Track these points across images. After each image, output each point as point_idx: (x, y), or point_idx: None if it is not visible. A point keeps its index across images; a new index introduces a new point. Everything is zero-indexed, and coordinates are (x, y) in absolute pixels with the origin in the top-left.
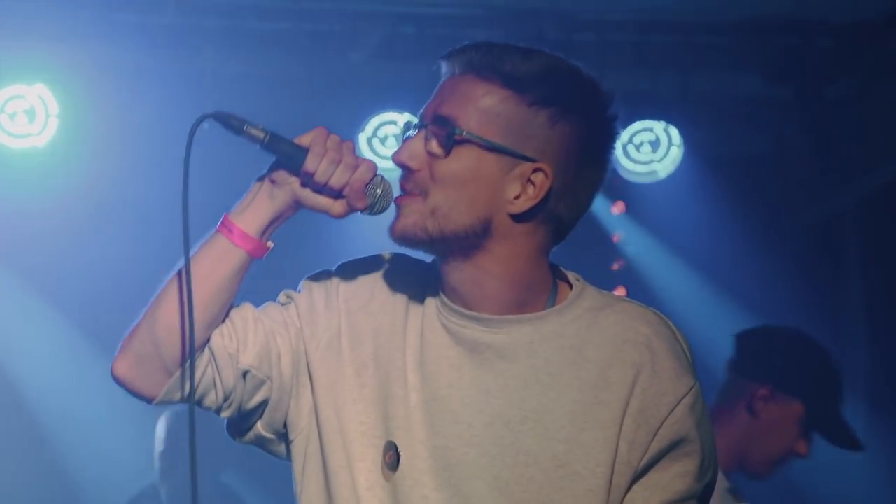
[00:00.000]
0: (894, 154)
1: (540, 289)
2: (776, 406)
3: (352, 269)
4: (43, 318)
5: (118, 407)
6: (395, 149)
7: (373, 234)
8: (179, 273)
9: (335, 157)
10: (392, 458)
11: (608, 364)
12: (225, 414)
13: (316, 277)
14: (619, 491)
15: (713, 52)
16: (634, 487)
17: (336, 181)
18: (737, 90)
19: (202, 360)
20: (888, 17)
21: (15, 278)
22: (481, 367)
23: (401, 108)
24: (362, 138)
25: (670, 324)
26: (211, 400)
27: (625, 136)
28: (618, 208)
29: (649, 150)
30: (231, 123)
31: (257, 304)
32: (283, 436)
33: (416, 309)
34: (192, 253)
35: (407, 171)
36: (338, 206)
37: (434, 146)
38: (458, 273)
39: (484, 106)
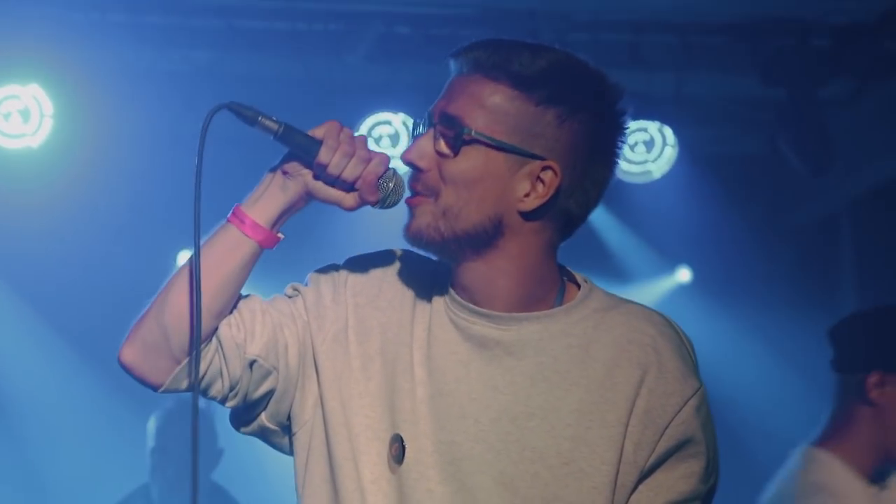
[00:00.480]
0: (888, 154)
1: (548, 286)
2: (891, 388)
3: (360, 264)
4: (32, 320)
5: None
6: (390, 149)
7: (382, 229)
8: (190, 262)
9: (348, 149)
10: (398, 450)
11: (614, 364)
12: (230, 404)
13: (323, 271)
14: (624, 491)
15: (707, 53)
16: (640, 488)
17: (349, 174)
18: (731, 91)
19: (209, 350)
20: (882, 18)
21: (8, 279)
22: (489, 364)
23: (395, 108)
24: None
25: (675, 326)
26: (217, 389)
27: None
28: None
29: (644, 150)
30: (245, 114)
31: (265, 295)
32: (287, 428)
33: (424, 304)
34: (202, 243)
35: (416, 171)
36: (349, 198)
37: (443, 146)
38: (470, 272)
39: (492, 105)
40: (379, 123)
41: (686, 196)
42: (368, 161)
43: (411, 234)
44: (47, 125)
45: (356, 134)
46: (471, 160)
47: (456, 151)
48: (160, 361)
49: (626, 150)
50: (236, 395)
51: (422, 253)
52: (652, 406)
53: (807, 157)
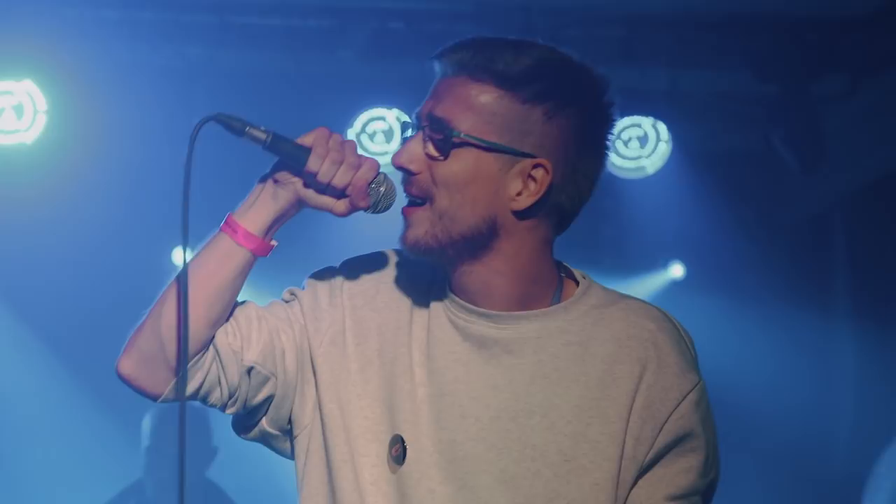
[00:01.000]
0: (881, 150)
1: (546, 283)
2: None
3: (356, 266)
4: (21, 317)
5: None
6: (384, 144)
7: (377, 231)
8: (185, 273)
9: (337, 157)
10: (399, 451)
11: (614, 360)
12: (230, 411)
13: (320, 274)
14: (625, 486)
15: (701, 49)
16: (639, 483)
17: (339, 181)
18: (725, 86)
19: (207, 358)
20: (875, 13)
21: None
22: (488, 363)
23: (389, 103)
24: (351, 134)
25: (674, 321)
26: (216, 397)
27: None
28: None
29: (637, 145)
30: (233, 126)
31: (261, 300)
32: (288, 432)
33: (421, 305)
34: (196, 252)
35: (408, 174)
36: (341, 205)
37: (432, 149)
38: (467, 275)
39: (479, 106)
40: (373, 119)
41: (680, 192)
42: (358, 167)
43: (409, 244)
44: (41, 121)
45: (350, 134)
46: (461, 162)
47: (445, 154)
48: (158, 372)
49: (619, 146)
50: (235, 401)
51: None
52: (651, 401)
53: (799, 154)
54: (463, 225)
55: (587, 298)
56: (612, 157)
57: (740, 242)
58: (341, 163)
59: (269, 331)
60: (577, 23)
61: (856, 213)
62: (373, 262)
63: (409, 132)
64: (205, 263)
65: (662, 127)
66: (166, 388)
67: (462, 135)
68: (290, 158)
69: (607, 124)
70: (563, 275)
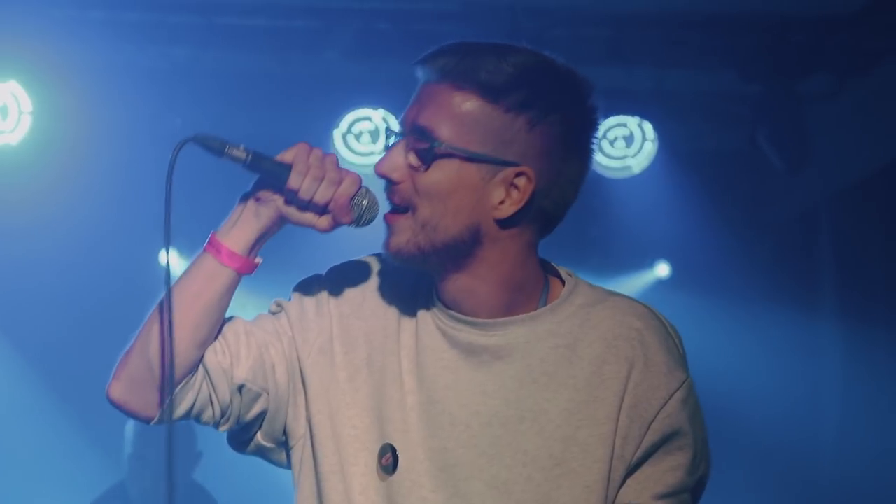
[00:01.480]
0: (867, 149)
1: (532, 287)
2: None
3: (342, 274)
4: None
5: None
6: (370, 145)
7: (362, 240)
8: (168, 296)
9: (318, 173)
10: (389, 460)
11: (602, 361)
12: (223, 428)
13: (305, 284)
14: (614, 486)
15: (687, 48)
16: (628, 481)
17: (320, 197)
18: (710, 86)
19: (197, 378)
20: (861, 12)
21: None
22: (477, 369)
23: (375, 104)
24: (337, 134)
25: (662, 318)
26: (208, 416)
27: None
28: None
29: (623, 145)
30: (211, 146)
31: (247, 313)
32: (284, 444)
33: (409, 312)
34: (181, 274)
35: (390, 183)
36: (323, 221)
37: (414, 159)
38: (453, 284)
39: (462, 115)
40: (359, 120)
41: (665, 191)
42: (339, 182)
43: (392, 251)
44: (26, 122)
45: (336, 134)
46: (444, 172)
47: (428, 164)
48: (148, 395)
49: (605, 145)
50: (228, 419)
51: None
52: (638, 400)
53: (784, 153)
54: (446, 234)
55: (574, 298)
56: (598, 157)
57: (726, 241)
58: (322, 178)
59: (257, 346)
60: (563, 23)
61: (841, 212)
62: (358, 270)
63: (392, 139)
64: (190, 284)
65: (648, 126)
66: (158, 411)
67: (444, 145)
68: (271, 176)
69: (591, 129)
70: (548, 275)
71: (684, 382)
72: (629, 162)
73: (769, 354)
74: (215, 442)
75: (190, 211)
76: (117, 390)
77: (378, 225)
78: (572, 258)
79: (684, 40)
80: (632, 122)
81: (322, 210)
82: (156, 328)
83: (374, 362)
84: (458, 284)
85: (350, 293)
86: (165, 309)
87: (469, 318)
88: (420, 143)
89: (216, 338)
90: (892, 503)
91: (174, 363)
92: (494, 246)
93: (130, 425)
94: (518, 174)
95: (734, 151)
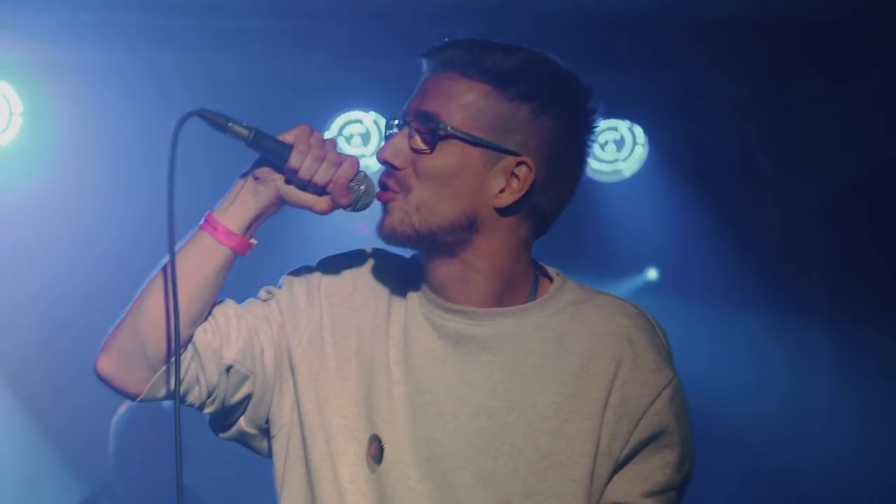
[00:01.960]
0: (858, 153)
1: (522, 282)
2: None
3: (333, 264)
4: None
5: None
6: (361, 147)
7: (353, 229)
8: (164, 269)
9: (319, 153)
10: (376, 450)
11: (590, 356)
12: (208, 410)
13: (296, 273)
14: (600, 481)
15: (678, 52)
16: (615, 478)
17: (320, 177)
18: (702, 89)
19: (186, 357)
20: (851, 17)
21: None
22: (465, 360)
23: (366, 106)
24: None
25: (649, 316)
26: (195, 396)
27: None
28: None
29: (614, 149)
30: (216, 121)
31: (239, 299)
32: (266, 431)
33: (399, 303)
34: (176, 249)
35: (391, 169)
36: (321, 202)
37: (418, 142)
38: (444, 269)
39: (467, 102)
40: (350, 122)
41: (656, 195)
42: (339, 164)
43: (385, 232)
44: (17, 123)
45: (327, 136)
46: (446, 156)
47: (432, 147)
48: (137, 371)
49: (596, 149)
50: (214, 400)
51: (395, 251)
52: (627, 397)
53: (774, 157)
54: (443, 218)
55: (563, 294)
56: (589, 161)
57: (716, 245)
58: (323, 159)
59: (248, 329)
60: (554, 26)
61: (832, 215)
62: (349, 261)
63: (393, 129)
64: (185, 261)
65: (639, 130)
66: (146, 387)
67: (449, 128)
68: (272, 155)
69: (590, 130)
70: (537, 273)
71: (672, 380)
72: (620, 166)
73: (758, 358)
74: (203, 437)
75: (187, 211)
76: (106, 364)
77: (374, 215)
78: (562, 261)
79: (674, 44)
80: (622, 125)
81: (321, 191)
82: (147, 303)
83: (364, 352)
84: (449, 270)
85: (341, 283)
86: (170, 286)
87: (457, 307)
88: (424, 126)
89: (207, 318)
90: None
91: (168, 339)
92: (490, 235)
93: (113, 421)
94: (519, 163)
95: (725, 155)
